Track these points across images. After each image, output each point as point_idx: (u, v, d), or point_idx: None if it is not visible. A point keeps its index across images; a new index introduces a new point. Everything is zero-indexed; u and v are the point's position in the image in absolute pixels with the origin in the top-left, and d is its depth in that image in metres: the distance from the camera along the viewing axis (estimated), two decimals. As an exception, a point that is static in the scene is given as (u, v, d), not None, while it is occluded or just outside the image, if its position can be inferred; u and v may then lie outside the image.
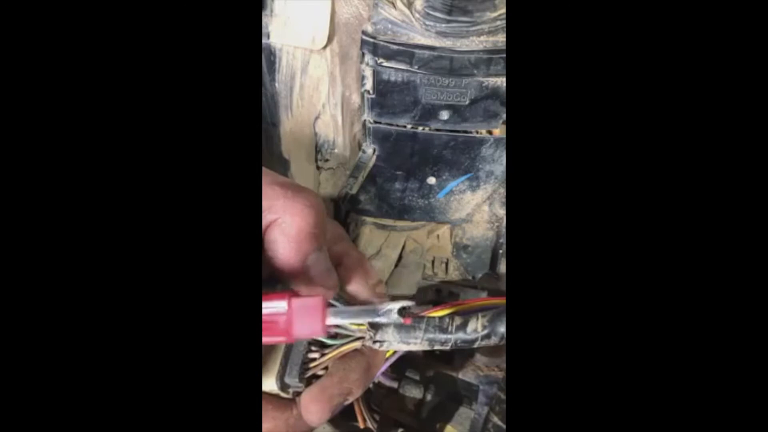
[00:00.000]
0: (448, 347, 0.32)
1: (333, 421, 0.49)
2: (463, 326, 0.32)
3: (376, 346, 0.33)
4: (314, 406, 0.32)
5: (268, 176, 0.30)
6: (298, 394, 0.32)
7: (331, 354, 0.32)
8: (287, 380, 0.32)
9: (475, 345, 0.32)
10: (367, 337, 0.32)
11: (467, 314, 0.33)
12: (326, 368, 0.33)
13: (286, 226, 0.29)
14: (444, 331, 0.32)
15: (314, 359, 0.32)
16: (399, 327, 0.32)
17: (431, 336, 0.32)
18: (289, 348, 0.33)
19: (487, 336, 0.31)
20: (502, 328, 0.31)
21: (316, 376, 0.33)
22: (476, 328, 0.31)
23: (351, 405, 0.45)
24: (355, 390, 0.33)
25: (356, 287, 0.34)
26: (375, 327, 0.32)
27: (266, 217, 0.29)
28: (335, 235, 0.36)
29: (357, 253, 0.36)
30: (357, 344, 0.33)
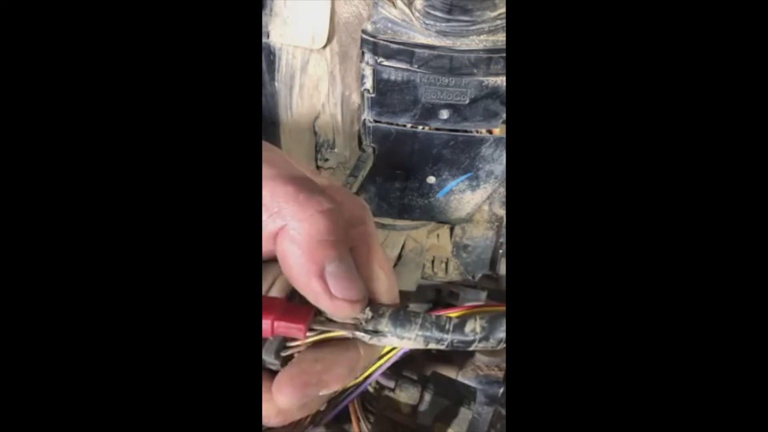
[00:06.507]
0: (443, 347, 0.31)
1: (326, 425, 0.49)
2: (460, 326, 0.31)
3: (366, 338, 0.31)
4: (288, 388, 0.29)
5: (283, 169, 0.27)
6: (272, 372, 0.30)
7: (314, 338, 0.30)
8: (263, 356, 0.30)
9: (472, 347, 0.31)
10: (362, 324, 0.30)
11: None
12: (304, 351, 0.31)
13: (295, 234, 0.27)
14: (441, 329, 0.30)
15: (295, 339, 0.30)
16: (394, 318, 0.31)
17: (427, 334, 0.30)
18: None
19: (485, 338, 0.30)
20: (501, 334, 0.30)
21: (294, 357, 0.31)
22: (474, 328, 0.30)
23: (346, 409, 0.45)
24: (332, 384, 0.30)
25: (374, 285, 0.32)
26: (372, 313, 0.31)
27: (275, 222, 0.27)
28: (354, 217, 0.32)
29: (374, 243, 0.33)
30: (345, 332, 0.31)
